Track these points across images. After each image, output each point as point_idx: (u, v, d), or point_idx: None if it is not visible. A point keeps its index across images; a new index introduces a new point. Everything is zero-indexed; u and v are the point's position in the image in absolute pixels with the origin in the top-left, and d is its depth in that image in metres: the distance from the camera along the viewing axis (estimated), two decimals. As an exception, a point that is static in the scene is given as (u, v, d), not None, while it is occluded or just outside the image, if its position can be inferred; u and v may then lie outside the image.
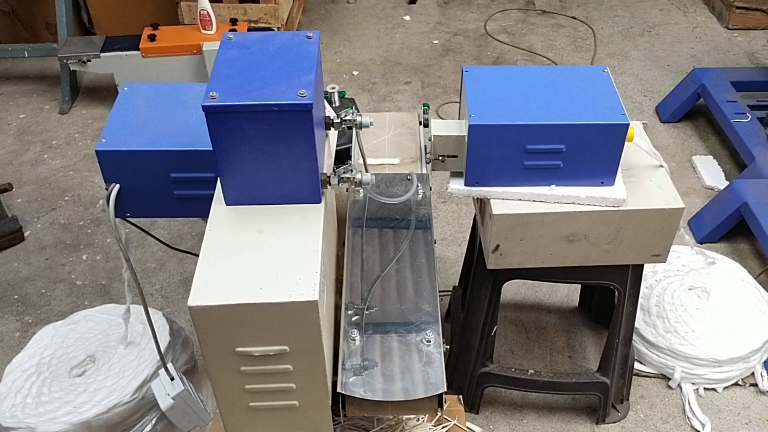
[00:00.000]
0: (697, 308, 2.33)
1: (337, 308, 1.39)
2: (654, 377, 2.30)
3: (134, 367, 2.01)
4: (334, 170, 1.22)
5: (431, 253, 1.48)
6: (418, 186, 1.60)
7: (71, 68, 3.48)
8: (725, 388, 2.27)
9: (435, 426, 1.42)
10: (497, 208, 1.70)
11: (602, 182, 1.70)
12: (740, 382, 2.28)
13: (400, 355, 1.27)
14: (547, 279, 1.95)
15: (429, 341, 1.29)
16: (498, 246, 1.75)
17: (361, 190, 1.59)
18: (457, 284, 2.46)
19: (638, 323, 2.34)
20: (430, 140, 1.70)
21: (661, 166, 1.84)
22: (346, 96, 2.39)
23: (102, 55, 3.39)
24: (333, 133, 1.77)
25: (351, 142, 1.74)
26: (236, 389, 1.17)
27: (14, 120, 3.59)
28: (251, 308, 1.05)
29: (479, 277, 1.98)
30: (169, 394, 1.83)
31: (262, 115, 1.10)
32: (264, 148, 1.13)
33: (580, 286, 2.56)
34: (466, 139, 1.64)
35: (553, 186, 1.70)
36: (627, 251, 1.78)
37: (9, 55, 3.78)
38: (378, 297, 1.38)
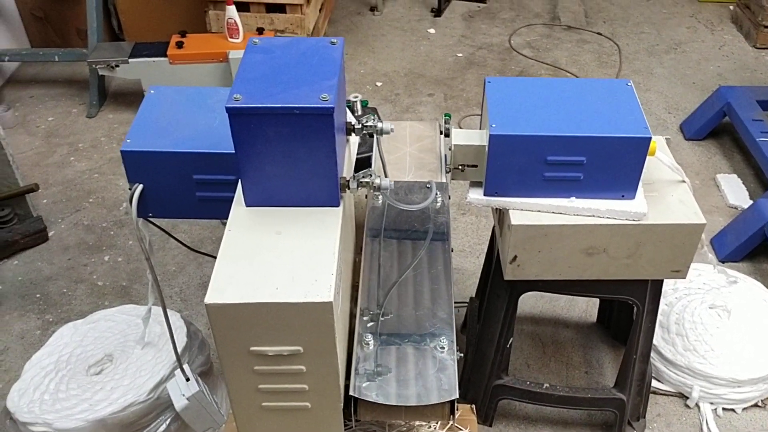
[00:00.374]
0: (717, 327, 2.30)
1: (352, 315, 1.39)
2: (672, 395, 2.28)
3: (151, 367, 2.02)
4: (353, 175, 1.23)
5: (448, 262, 1.48)
6: (437, 194, 1.60)
7: (100, 73, 3.54)
8: (744, 409, 2.24)
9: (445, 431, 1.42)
10: (516, 218, 1.69)
11: (623, 196, 1.69)
12: (760, 404, 2.24)
13: (413, 361, 1.27)
14: (564, 292, 1.94)
15: (443, 348, 1.29)
16: (516, 257, 1.75)
17: (380, 197, 1.59)
18: (474, 296, 2.45)
19: (657, 340, 2.32)
20: (450, 149, 1.70)
21: (683, 181, 1.82)
22: (368, 105, 2.41)
23: (130, 60, 3.45)
24: (354, 140, 1.78)
25: (372, 151, 1.75)
26: (250, 389, 1.18)
27: (43, 122, 3.65)
28: (267, 308, 1.06)
29: (496, 288, 1.97)
30: (184, 395, 1.84)
31: (285, 117, 1.11)
32: (285, 150, 1.15)
33: (598, 301, 2.54)
34: (487, 148, 1.64)
35: (573, 198, 1.70)
36: (646, 266, 1.77)
37: (40, 59, 3.86)
38: (394, 303, 1.39)
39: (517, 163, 1.65)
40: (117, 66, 3.47)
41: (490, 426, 2.17)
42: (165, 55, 3.41)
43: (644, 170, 1.80)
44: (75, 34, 4.07)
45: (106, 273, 2.78)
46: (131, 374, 2.01)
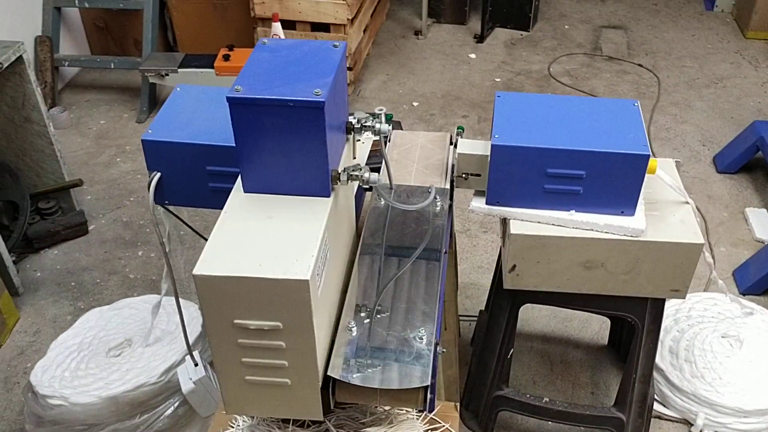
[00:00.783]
0: (727, 356, 2.28)
1: (344, 307, 1.46)
2: (676, 421, 2.26)
3: (165, 352, 2.13)
4: (344, 168, 1.31)
5: (440, 261, 1.54)
6: (435, 197, 1.67)
7: (150, 81, 3.73)
8: (751, 441, 2.21)
9: (424, 423, 1.47)
10: (515, 228, 1.74)
11: (622, 212, 1.73)
12: (768, 437, 2.21)
13: (392, 348, 1.33)
14: (564, 305, 1.97)
15: (422, 338, 1.34)
16: (515, 266, 1.80)
17: (382, 200, 1.67)
18: (483, 309, 2.49)
19: (665, 365, 2.31)
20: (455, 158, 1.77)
21: (687, 203, 1.84)
22: (393, 119, 2.49)
23: (179, 70, 3.63)
24: (365, 147, 1.87)
25: (381, 163, 1.82)
26: (234, 361, 1.26)
27: (95, 125, 3.86)
28: (249, 282, 1.14)
29: (498, 299, 2.02)
30: (191, 379, 1.94)
31: (279, 109, 1.20)
32: (279, 140, 1.24)
33: (610, 323, 2.54)
34: (489, 158, 1.70)
35: (572, 211, 1.74)
36: (645, 283, 1.79)
37: (97, 65, 4.10)
38: (386, 299, 1.45)
39: (519, 174, 1.70)
40: (167, 75, 3.66)
41: (490, 437, 2.19)
42: (212, 67, 3.58)
43: (649, 190, 1.84)
44: (132, 44, 4.31)
45: (138, 267, 2.92)
46: (146, 358, 2.12)
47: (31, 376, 2.12)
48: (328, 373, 1.28)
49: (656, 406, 2.30)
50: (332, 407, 1.34)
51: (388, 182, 1.65)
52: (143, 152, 1.58)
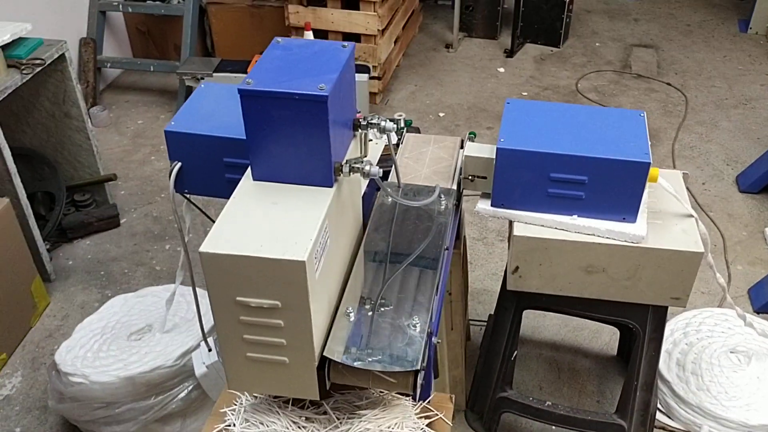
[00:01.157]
0: (734, 371, 2.29)
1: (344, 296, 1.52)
2: (679, 433, 2.28)
3: (182, 338, 2.23)
4: (346, 160, 1.39)
5: (440, 256, 1.60)
6: (440, 196, 1.74)
7: (187, 84, 3.87)
8: (755, 456, 2.21)
9: (417, 411, 1.52)
10: (518, 230, 1.80)
11: (624, 218, 1.77)
12: (772, 453, 2.21)
13: (386, 334, 1.39)
14: (567, 309, 2.01)
15: (415, 326, 1.40)
16: (517, 267, 1.85)
17: (389, 197, 1.74)
18: (492, 313, 2.53)
19: (671, 377, 2.33)
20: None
21: (691, 215, 1.87)
22: (412, 125, 2.57)
23: (214, 74, 3.76)
24: (378, 147, 1.95)
25: (389, 167, 1.89)
26: (236, 338, 1.34)
27: (133, 124, 4.02)
28: (250, 260, 1.22)
29: (503, 301, 2.07)
30: (204, 363, 2.03)
31: (286, 101, 1.28)
32: (286, 131, 1.32)
33: (619, 334, 2.57)
34: (495, 161, 1.76)
35: (575, 216, 1.78)
36: (646, 290, 1.83)
37: (138, 67, 4.27)
38: (386, 291, 1.51)
39: (523, 178, 1.76)
40: (202, 78, 3.78)
41: (493, 438, 2.24)
42: (245, 72, 3.70)
43: (653, 200, 1.88)
44: (173, 49, 4.47)
45: (165, 259, 3.03)
46: (164, 343, 2.22)
47: (56, 355, 2.23)
48: (324, 354, 1.35)
49: (661, 417, 2.31)
50: (328, 388, 1.40)
51: (396, 180, 1.73)
52: (165, 143, 1.68)
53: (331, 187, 1.37)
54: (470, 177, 1.85)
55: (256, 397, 1.58)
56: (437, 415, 1.55)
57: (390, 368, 1.33)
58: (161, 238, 3.16)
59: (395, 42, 4.26)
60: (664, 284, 1.81)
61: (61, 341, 2.51)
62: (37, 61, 2.68)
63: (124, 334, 2.30)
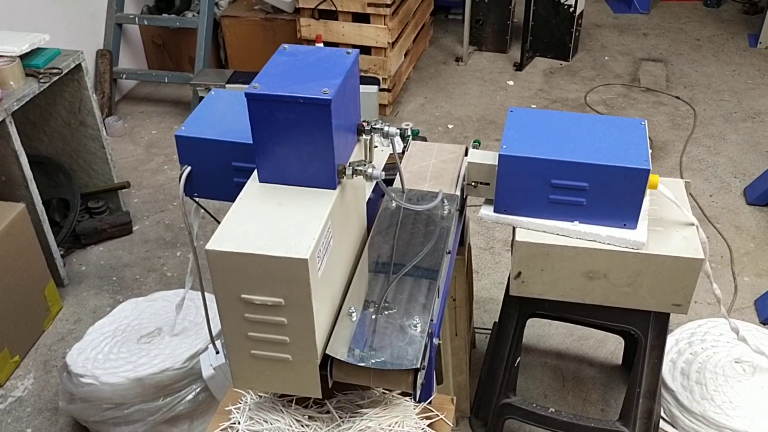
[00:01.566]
0: (739, 381, 2.29)
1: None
2: (683, 441, 2.28)
3: (191, 341, 2.27)
4: (349, 162, 1.43)
5: (442, 260, 1.63)
6: (443, 201, 1.77)
7: (200, 95, 3.95)
8: (759, 465, 2.20)
9: (418, 412, 1.55)
10: (521, 235, 1.83)
11: (624, 224, 1.79)
12: (776, 463, 2.20)
13: (387, 334, 1.42)
14: (569, 315, 2.03)
15: (416, 326, 1.44)
16: (520, 273, 1.87)
17: (393, 202, 1.78)
18: (497, 321, 2.55)
19: (676, 386, 2.34)
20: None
21: (692, 223, 1.88)
22: (419, 134, 2.60)
23: (227, 86, 3.84)
24: (384, 154, 1.99)
25: (395, 175, 1.92)
26: (241, 335, 1.37)
27: (147, 134, 4.09)
28: (254, 258, 1.26)
29: (507, 307, 2.09)
30: (212, 365, 2.07)
31: (291, 105, 1.33)
32: (291, 134, 1.36)
33: (624, 343, 2.58)
34: (497, 168, 1.80)
35: (576, 222, 1.81)
36: (647, 296, 1.84)
37: (153, 79, 4.35)
38: (390, 295, 1.54)
39: (525, 184, 1.79)
40: (215, 89, 3.86)
41: (496, 444, 2.25)
42: (257, 83, 3.77)
43: (655, 208, 1.90)
44: (187, 61, 4.55)
45: (176, 266, 3.08)
46: (173, 345, 2.26)
47: (67, 357, 2.28)
48: (327, 352, 1.39)
49: (665, 427, 2.32)
50: (330, 386, 1.44)
51: (400, 186, 1.77)
52: (176, 147, 1.73)
53: (334, 189, 1.41)
54: (473, 183, 1.89)
55: (260, 396, 1.62)
56: (438, 415, 1.58)
57: (390, 367, 1.36)
58: (173, 245, 3.21)
59: (405, 55, 4.32)
60: (664, 291, 1.83)
61: (73, 345, 2.55)
62: (55, 71, 2.75)
63: (134, 337, 2.35)
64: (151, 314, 2.46)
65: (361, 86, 1.55)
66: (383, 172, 1.45)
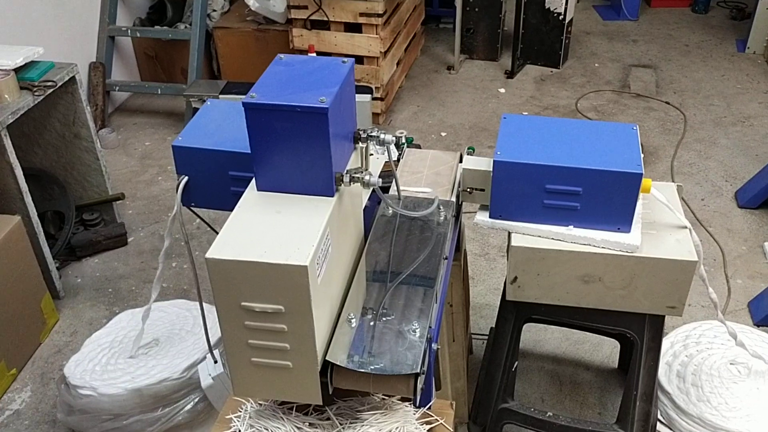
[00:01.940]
0: (734, 382, 2.31)
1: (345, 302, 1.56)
2: (680, 443, 2.29)
3: (189, 351, 2.27)
4: (346, 170, 1.44)
5: (439, 266, 1.64)
6: (439, 208, 1.79)
7: (193, 106, 3.95)
8: (755, 466, 2.22)
9: (418, 417, 1.56)
10: (516, 240, 1.84)
11: (618, 228, 1.81)
12: (772, 463, 2.22)
13: (387, 339, 1.43)
14: (566, 319, 2.04)
15: (415, 331, 1.45)
16: (516, 278, 1.89)
17: (390, 209, 1.79)
18: (494, 326, 2.57)
19: (672, 389, 2.35)
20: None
21: (685, 226, 1.90)
22: (413, 142, 2.62)
23: (220, 96, 3.84)
24: (379, 162, 2.00)
25: (391, 183, 1.94)
26: (241, 343, 1.38)
27: (140, 146, 4.10)
28: (254, 266, 1.27)
29: (503, 312, 2.10)
30: (210, 375, 2.06)
31: (288, 114, 1.34)
32: (288, 142, 1.38)
33: (620, 347, 2.59)
34: (492, 174, 1.81)
35: (571, 226, 1.83)
36: (642, 299, 1.86)
37: (146, 90, 4.36)
38: (387, 301, 1.55)
39: (519, 189, 1.81)
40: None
41: (495, 449, 2.26)
42: (250, 94, 3.78)
43: (648, 211, 1.92)
44: (180, 73, 4.57)
45: (172, 277, 3.08)
46: (171, 356, 2.26)
47: (65, 369, 2.28)
48: (327, 358, 1.39)
49: (662, 429, 2.33)
50: (330, 392, 1.44)
51: (396, 193, 1.79)
52: (173, 157, 1.74)
53: (332, 196, 1.42)
54: (468, 189, 1.90)
55: (260, 403, 1.62)
56: (438, 420, 1.59)
57: (390, 372, 1.37)
58: (168, 256, 3.19)
59: (397, 64, 4.34)
60: (659, 293, 1.84)
61: (70, 357, 2.55)
62: (49, 83, 2.76)
63: (131, 348, 2.34)
64: (147, 325, 2.45)
65: (354, 95, 1.57)
66: (380, 179, 1.46)
